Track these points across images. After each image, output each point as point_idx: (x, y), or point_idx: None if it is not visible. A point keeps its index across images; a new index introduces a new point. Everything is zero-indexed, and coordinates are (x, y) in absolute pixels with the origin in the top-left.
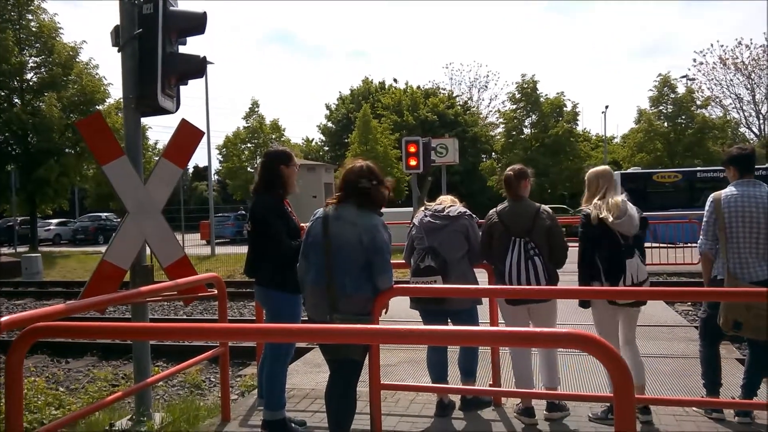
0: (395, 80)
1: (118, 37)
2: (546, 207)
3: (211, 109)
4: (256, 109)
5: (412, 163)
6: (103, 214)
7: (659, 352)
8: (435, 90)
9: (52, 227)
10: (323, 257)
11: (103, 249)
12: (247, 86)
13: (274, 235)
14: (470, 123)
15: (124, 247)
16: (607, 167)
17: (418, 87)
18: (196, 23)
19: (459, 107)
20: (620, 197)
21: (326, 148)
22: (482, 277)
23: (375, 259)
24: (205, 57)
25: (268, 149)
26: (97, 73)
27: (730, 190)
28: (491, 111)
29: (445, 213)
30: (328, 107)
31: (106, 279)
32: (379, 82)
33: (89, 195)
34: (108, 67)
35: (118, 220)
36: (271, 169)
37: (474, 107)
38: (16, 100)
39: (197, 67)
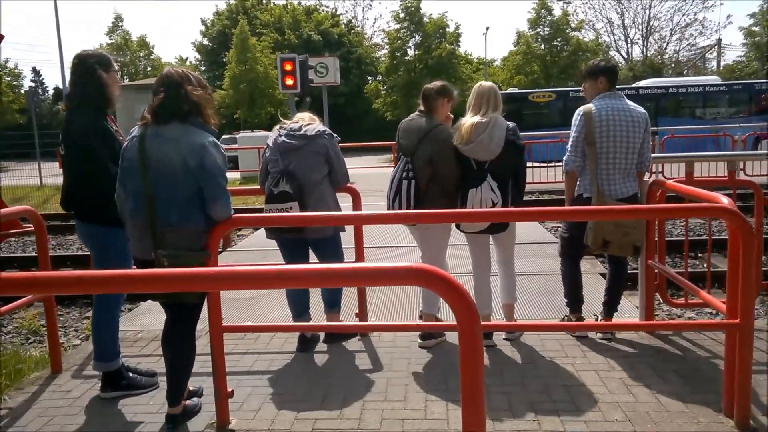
0: None
1: None
2: (445, 128)
3: (67, 24)
4: (120, 24)
5: (289, 82)
6: None
7: (527, 269)
8: (317, 7)
9: None
10: (142, 184)
11: None
12: None
13: (95, 159)
14: (355, 43)
15: None
16: (483, 83)
17: (299, 3)
18: None
19: (343, 26)
20: (476, 119)
21: (203, 68)
22: (346, 201)
23: (206, 185)
24: None
25: (80, 52)
26: None
27: (600, 103)
28: (376, 31)
29: (302, 132)
30: (203, 22)
31: None
32: None
33: None
34: None
35: None
36: (87, 76)
37: (359, 27)
38: None
39: None
